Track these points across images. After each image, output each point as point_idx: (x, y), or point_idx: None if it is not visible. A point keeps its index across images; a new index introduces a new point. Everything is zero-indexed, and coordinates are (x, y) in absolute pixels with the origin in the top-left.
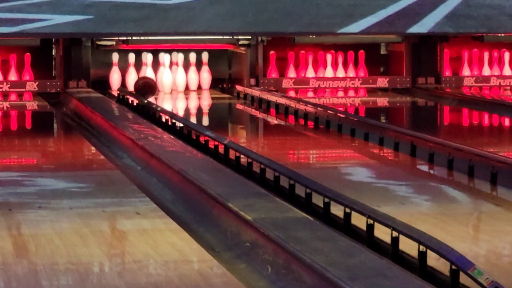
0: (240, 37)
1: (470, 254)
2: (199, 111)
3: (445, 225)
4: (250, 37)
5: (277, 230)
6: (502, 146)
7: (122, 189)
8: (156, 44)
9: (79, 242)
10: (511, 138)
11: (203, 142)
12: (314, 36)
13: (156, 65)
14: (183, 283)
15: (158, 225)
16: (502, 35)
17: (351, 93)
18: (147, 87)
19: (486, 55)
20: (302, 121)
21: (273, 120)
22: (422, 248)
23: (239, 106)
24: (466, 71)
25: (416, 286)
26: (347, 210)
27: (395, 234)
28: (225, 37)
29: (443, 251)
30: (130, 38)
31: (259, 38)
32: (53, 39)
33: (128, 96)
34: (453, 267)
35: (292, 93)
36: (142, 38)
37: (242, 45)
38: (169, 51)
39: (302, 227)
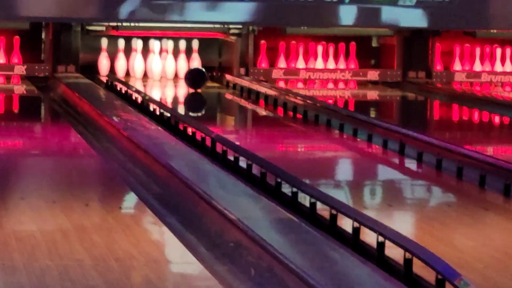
0: (231, 26)
1: (456, 260)
2: (188, 99)
3: (433, 229)
4: (241, 26)
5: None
6: (491, 144)
7: (106, 181)
8: (146, 31)
9: (60, 237)
10: (500, 136)
11: (190, 134)
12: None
13: (146, 51)
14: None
15: (141, 221)
16: (495, 31)
17: (341, 85)
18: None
19: (478, 50)
20: (291, 114)
21: (262, 111)
22: (408, 255)
23: (228, 96)
24: (457, 66)
25: None
26: (333, 212)
27: (381, 239)
28: (216, 26)
29: (429, 259)
30: (120, 24)
31: (250, 28)
32: (43, 23)
33: (116, 83)
34: (439, 276)
35: (282, 84)
36: (132, 24)
37: (233, 34)
38: (159, 38)
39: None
